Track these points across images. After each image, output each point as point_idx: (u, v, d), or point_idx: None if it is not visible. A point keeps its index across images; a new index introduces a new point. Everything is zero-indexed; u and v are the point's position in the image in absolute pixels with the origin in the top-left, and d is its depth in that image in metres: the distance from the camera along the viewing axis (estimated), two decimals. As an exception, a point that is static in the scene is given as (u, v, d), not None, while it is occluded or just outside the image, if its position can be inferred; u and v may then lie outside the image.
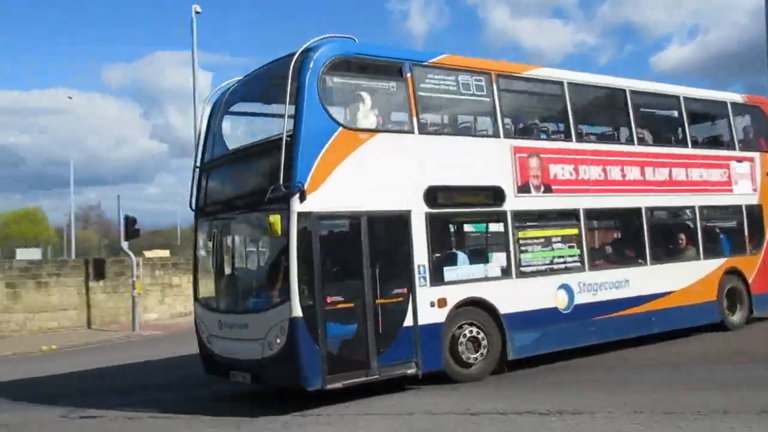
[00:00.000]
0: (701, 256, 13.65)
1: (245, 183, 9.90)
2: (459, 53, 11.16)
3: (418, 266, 9.82)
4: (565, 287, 11.42)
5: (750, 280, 14.46)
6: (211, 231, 10.74)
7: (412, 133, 10.05)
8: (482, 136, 11.32)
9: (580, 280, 11.60)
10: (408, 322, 9.65)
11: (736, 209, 14.62)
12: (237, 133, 10.75)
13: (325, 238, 9.18)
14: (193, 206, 10.87)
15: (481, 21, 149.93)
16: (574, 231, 11.72)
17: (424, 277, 9.85)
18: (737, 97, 15.50)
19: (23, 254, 36.32)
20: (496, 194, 10.85)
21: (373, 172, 9.59)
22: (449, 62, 10.74)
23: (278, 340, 8.91)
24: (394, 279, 9.67)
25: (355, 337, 9.30)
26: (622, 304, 12.08)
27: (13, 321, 24.55)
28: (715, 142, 14.88)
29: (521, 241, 11.05)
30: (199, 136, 11.02)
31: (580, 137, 12.16)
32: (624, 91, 12.84)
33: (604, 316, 11.80)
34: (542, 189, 11.34)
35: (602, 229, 13.72)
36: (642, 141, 13.04)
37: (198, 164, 10.97)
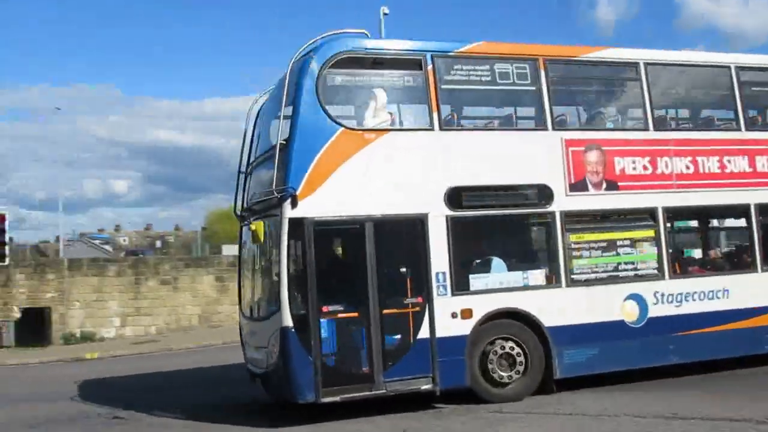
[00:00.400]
0: None
1: (259, 188, 9.72)
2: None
3: (437, 274, 9.02)
4: (636, 297, 9.88)
5: None
6: (242, 237, 10.78)
7: (432, 129, 9.26)
8: (524, 129, 10.16)
9: (656, 290, 9.98)
10: (424, 334, 8.89)
11: None
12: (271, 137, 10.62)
13: (322, 245, 8.77)
14: (236, 212, 10.91)
15: (676, 6, 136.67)
16: (650, 233, 10.11)
17: (444, 286, 9.03)
18: None
19: (228, 250, 39.25)
20: (541, 193, 9.65)
21: (383, 173, 8.95)
22: (483, 50, 9.75)
23: (275, 350, 8.67)
24: (407, 288, 8.99)
25: (358, 349, 8.76)
26: (720, 317, 10.21)
27: (222, 312, 27.43)
28: None
29: (574, 246, 9.73)
30: (243, 140, 11.05)
31: (662, 125, 10.49)
32: (728, 68, 10.84)
33: (691, 331, 10.06)
34: (604, 186, 9.92)
35: (692, 231, 11.71)
36: (753, 126, 10.99)
37: (242, 169, 10.99)
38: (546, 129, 9.75)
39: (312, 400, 8.45)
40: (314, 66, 8.83)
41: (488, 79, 9.71)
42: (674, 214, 10.43)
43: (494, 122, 10.33)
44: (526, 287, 9.48)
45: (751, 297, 10.41)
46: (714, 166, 10.51)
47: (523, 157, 9.65)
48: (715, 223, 11.75)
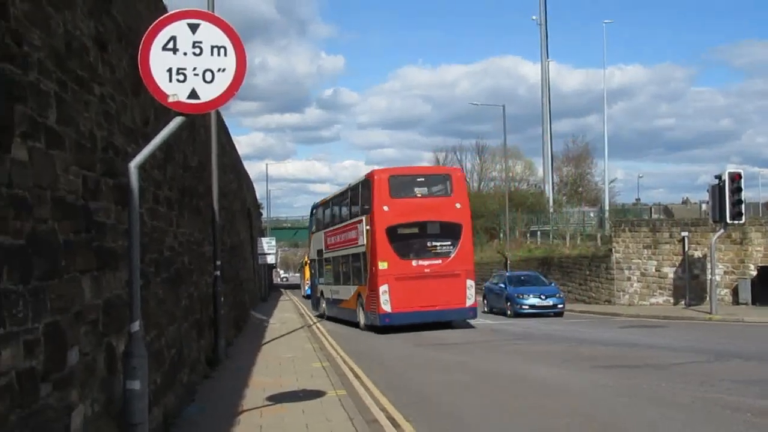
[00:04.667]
0: (350, 282, 23.47)
1: None
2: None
3: (319, 278, 29.35)
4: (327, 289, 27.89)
5: (364, 301, 21.69)
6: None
7: (315, 232, 29.98)
8: (320, 230, 28.43)
9: (333, 289, 26.58)
10: (318, 295, 29.61)
11: (360, 256, 21.98)
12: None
13: (316, 265, 30.07)
14: None
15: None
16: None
17: (319, 281, 29.29)
18: (361, 177, 22.43)
19: None
20: (320, 252, 28.13)
21: (313, 245, 30.52)
22: (321, 202, 29.76)
23: None
24: (319, 278, 29.52)
25: (317, 296, 30.01)
26: (341, 301, 25.40)
27: None
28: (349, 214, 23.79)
29: (326, 270, 27.79)
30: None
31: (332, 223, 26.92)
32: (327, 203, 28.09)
33: (339, 306, 26.06)
34: (327, 248, 26.85)
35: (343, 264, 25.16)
36: (349, 219, 24.30)
37: None
38: (321, 230, 27.96)
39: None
40: (312, 209, 31.74)
41: (326, 209, 28.11)
42: (330, 258, 26.74)
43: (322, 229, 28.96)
44: (336, 283, 25.98)
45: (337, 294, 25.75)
46: (344, 237, 24.03)
47: (321, 241, 27.85)
48: (346, 260, 24.25)
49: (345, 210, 24.46)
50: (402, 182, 21.08)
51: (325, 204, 28.17)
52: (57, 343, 4.31)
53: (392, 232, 20.23)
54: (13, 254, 3.75)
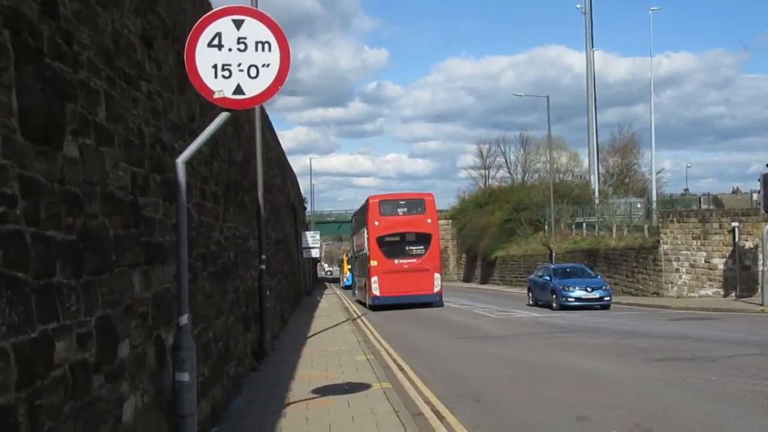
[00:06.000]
0: (363, 274, 31.36)
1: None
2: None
3: (353, 270, 37.80)
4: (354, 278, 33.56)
5: (367, 288, 29.50)
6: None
7: (353, 235, 36.88)
8: (353, 235, 36.60)
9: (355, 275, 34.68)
10: (350, 283, 41.58)
11: (366, 256, 29.56)
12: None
13: (352, 261, 38.35)
14: None
15: None
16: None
17: (353, 273, 37.91)
18: (364, 201, 31.26)
19: None
20: (353, 251, 36.99)
21: (351, 245, 38.34)
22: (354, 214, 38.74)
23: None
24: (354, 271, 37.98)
25: (353, 283, 37.48)
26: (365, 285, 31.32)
27: None
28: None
29: (356, 264, 36.15)
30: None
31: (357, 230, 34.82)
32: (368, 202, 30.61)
33: (355, 285, 33.91)
34: (356, 249, 34.55)
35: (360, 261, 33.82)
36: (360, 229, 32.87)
37: None
38: (353, 235, 35.87)
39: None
40: (351, 218, 39.85)
41: (356, 219, 35.26)
42: (356, 256, 35.65)
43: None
44: (359, 276, 34.33)
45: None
46: (360, 242, 32.03)
47: (353, 242, 35.70)
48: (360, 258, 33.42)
49: (359, 222, 33.02)
50: (388, 205, 29.24)
51: (355, 215, 37.35)
52: (108, 336, 4.41)
53: (381, 240, 28.57)
54: (66, 249, 3.84)
